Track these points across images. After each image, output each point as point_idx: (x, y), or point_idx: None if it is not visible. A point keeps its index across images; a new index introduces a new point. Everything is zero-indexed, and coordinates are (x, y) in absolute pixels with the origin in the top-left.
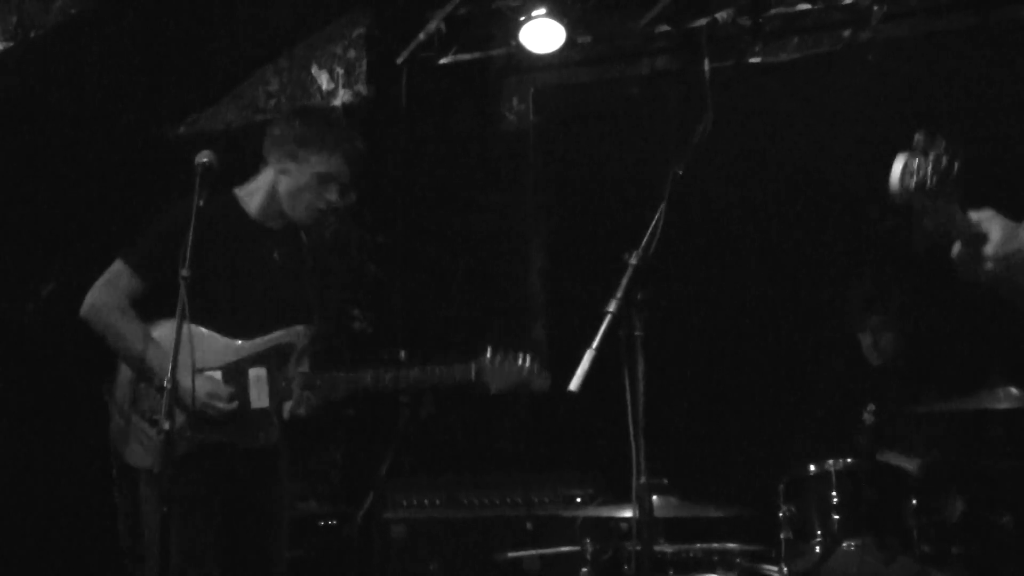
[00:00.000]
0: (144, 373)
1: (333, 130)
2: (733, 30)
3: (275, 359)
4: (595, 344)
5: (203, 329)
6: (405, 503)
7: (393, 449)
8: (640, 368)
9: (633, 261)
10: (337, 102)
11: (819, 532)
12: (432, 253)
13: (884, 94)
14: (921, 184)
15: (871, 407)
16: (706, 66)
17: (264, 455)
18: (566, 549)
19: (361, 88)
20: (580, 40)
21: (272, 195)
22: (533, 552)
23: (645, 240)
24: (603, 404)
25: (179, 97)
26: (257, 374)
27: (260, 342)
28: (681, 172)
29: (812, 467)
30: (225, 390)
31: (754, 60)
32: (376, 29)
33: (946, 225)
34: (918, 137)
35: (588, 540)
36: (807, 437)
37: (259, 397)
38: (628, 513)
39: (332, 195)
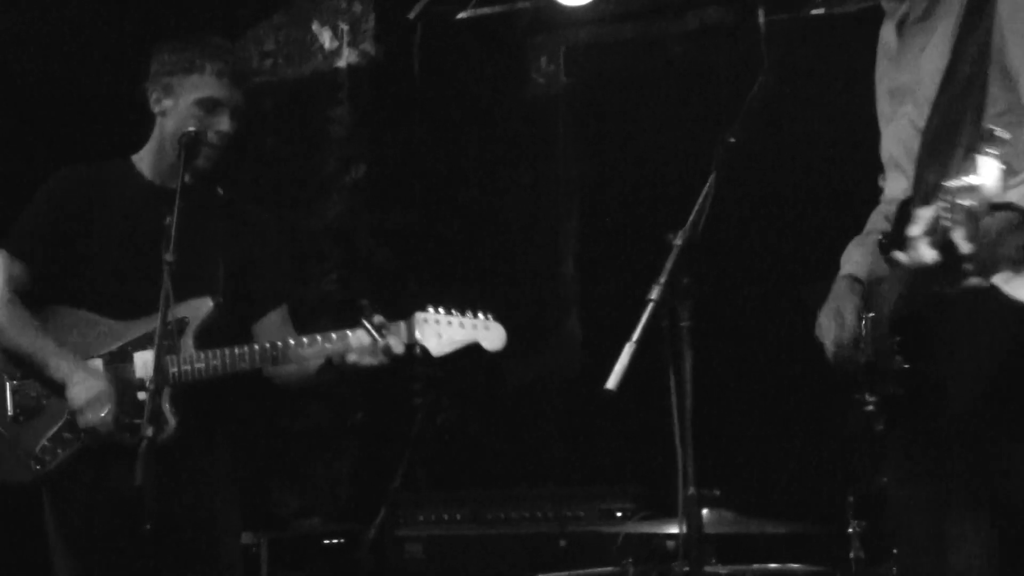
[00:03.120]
0: (32, 368)
1: (203, 48)
2: None
3: (167, 339)
4: (635, 337)
5: (88, 313)
6: (421, 519)
7: (407, 458)
8: (687, 363)
9: (678, 242)
10: (341, 63)
11: (894, 551)
12: (450, 237)
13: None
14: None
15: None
16: (760, 19)
17: (161, 453)
18: (605, 570)
19: (368, 47)
20: None
21: (161, 146)
22: (567, 574)
23: (692, 218)
24: (645, 405)
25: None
26: (144, 359)
27: (148, 321)
28: (733, 140)
29: (886, 478)
30: (105, 390)
31: (816, 12)
32: None
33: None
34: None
35: (630, 560)
36: (881, 443)
37: (147, 386)
38: (674, 529)
39: (222, 123)
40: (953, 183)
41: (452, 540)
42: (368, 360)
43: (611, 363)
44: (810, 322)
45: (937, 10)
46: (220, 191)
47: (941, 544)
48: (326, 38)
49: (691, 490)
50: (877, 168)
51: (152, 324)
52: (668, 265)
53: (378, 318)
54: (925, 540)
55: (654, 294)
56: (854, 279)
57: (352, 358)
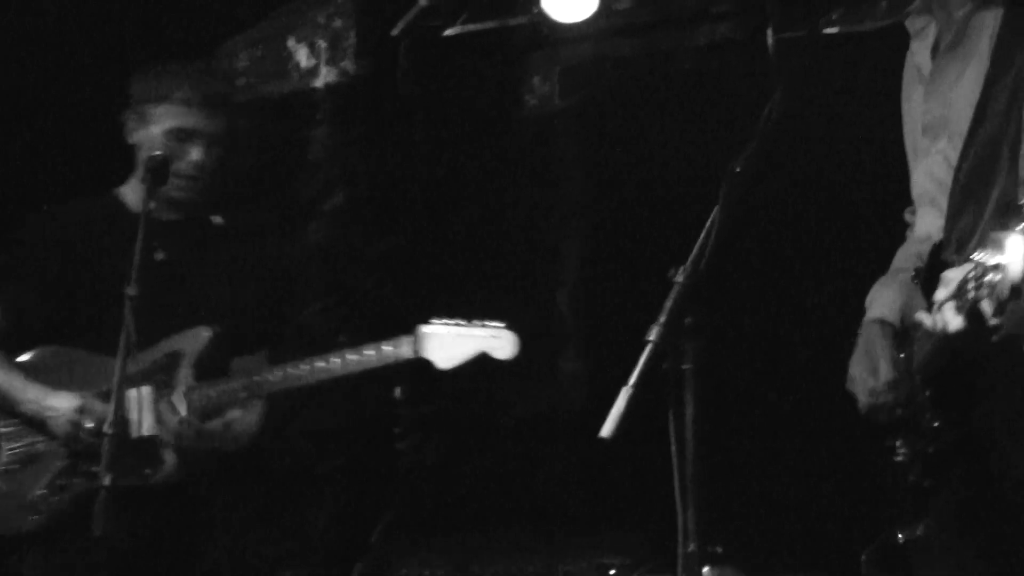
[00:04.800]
0: (5, 408)
1: (174, 75)
2: None
3: (162, 374)
4: (633, 380)
5: (80, 351)
6: (405, 571)
7: (391, 504)
8: (689, 409)
9: (680, 279)
10: (319, 82)
11: None
12: (438, 268)
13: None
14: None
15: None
16: (769, 37)
17: (160, 498)
18: None
19: (349, 65)
20: (618, 6)
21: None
22: None
23: (695, 252)
24: (644, 453)
25: (129, 75)
26: (138, 395)
27: (142, 356)
28: (740, 168)
29: (901, 534)
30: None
31: (830, 30)
32: None
33: None
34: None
35: None
36: (896, 496)
37: (143, 423)
38: None
39: (194, 153)
40: (981, 256)
41: None
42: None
43: (608, 407)
44: (820, 371)
45: (969, 36)
46: (219, 220)
47: None
48: (303, 55)
49: (691, 547)
50: (897, 197)
51: (147, 359)
52: (668, 304)
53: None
54: None
55: (653, 335)
56: (883, 323)
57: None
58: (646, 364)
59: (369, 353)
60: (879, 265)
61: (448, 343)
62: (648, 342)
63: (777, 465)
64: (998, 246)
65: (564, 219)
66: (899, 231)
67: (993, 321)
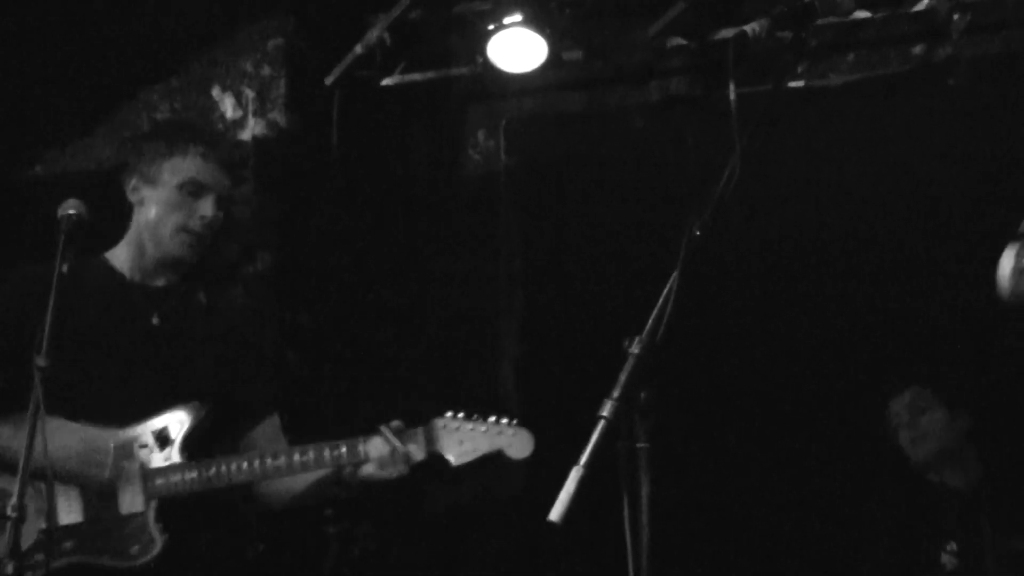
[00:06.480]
0: None
1: (188, 131)
2: (769, 44)
3: (154, 448)
4: (584, 460)
5: (67, 421)
6: None
7: None
8: (644, 490)
9: (635, 350)
10: (246, 135)
11: None
12: (371, 338)
13: (968, 129)
14: None
15: (951, 546)
16: (732, 92)
17: None
18: None
19: (278, 117)
20: (568, 56)
21: (139, 240)
22: None
23: (651, 322)
24: (596, 537)
25: (35, 127)
26: (129, 469)
27: (134, 428)
28: (699, 232)
29: None
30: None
31: (795, 84)
32: (300, 39)
33: None
34: None
35: None
36: None
37: (131, 500)
38: None
39: (206, 208)
40: None
41: None
42: (387, 472)
43: (555, 490)
44: (788, 445)
45: None
46: (203, 297)
47: None
48: (228, 106)
49: None
50: (865, 265)
51: (141, 429)
52: (623, 378)
53: (396, 423)
54: None
55: (606, 411)
56: None
57: (368, 470)
58: (598, 442)
59: (380, 444)
60: (846, 333)
61: (464, 437)
62: (601, 418)
63: (740, 547)
64: None
65: (506, 286)
66: (868, 293)
67: None
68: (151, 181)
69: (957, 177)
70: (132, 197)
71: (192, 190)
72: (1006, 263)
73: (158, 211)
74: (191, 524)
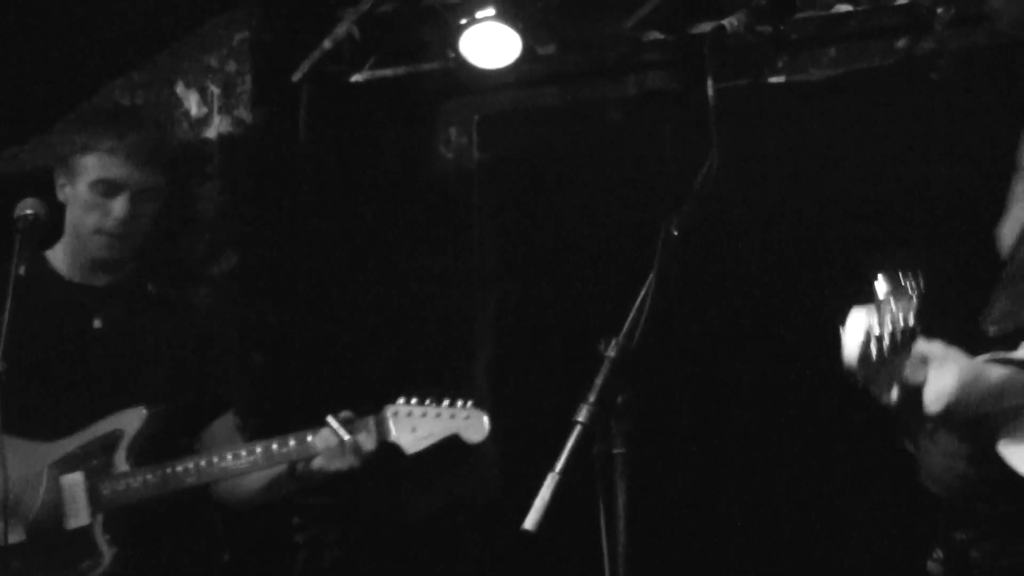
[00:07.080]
0: None
1: (101, 123)
2: (748, 38)
3: (97, 458)
4: (559, 466)
5: (7, 437)
6: None
7: None
8: (621, 497)
9: (611, 353)
10: (211, 133)
11: None
12: (341, 339)
13: (952, 123)
14: (883, 354)
15: (937, 554)
16: (710, 87)
17: None
18: None
19: (244, 114)
20: (542, 51)
21: (73, 239)
22: None
23: (628, 324)
24: (571, 545)
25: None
26: (71, 482)
27: (75, 439)
28: (676, 231)
29: None
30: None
31: (775, 79)
32: (266, 33)
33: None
34: (882, 286)
35: None
36: None
37: (76, 513)
38: None
39: (118, 209)
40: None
41: None
42: (337, 464)
43: (530, 497)
44: (767, 450)
45: None
46: (151, 288)
47: None
48: (192, 102)
49: None
50: (847, 261)
51: (82, 439)
52: (599, 381)
53: (345, 413)
54: None
55: (582, 415)
56: None
57: (318, 463)
58: (574, 448)
59: (328, 435)
60: (826, 332)
61: (417, 423)
62: (576, 423)
63: (721, 557)
64: None
65: (479, 286)
66: (850, 289)
67: None
68: (72, 179)
69: (941, 172)
70: (59, 195)
71: (103, 190)
72: (855, 334)
73: (76, 212)
74: (149, 533)
